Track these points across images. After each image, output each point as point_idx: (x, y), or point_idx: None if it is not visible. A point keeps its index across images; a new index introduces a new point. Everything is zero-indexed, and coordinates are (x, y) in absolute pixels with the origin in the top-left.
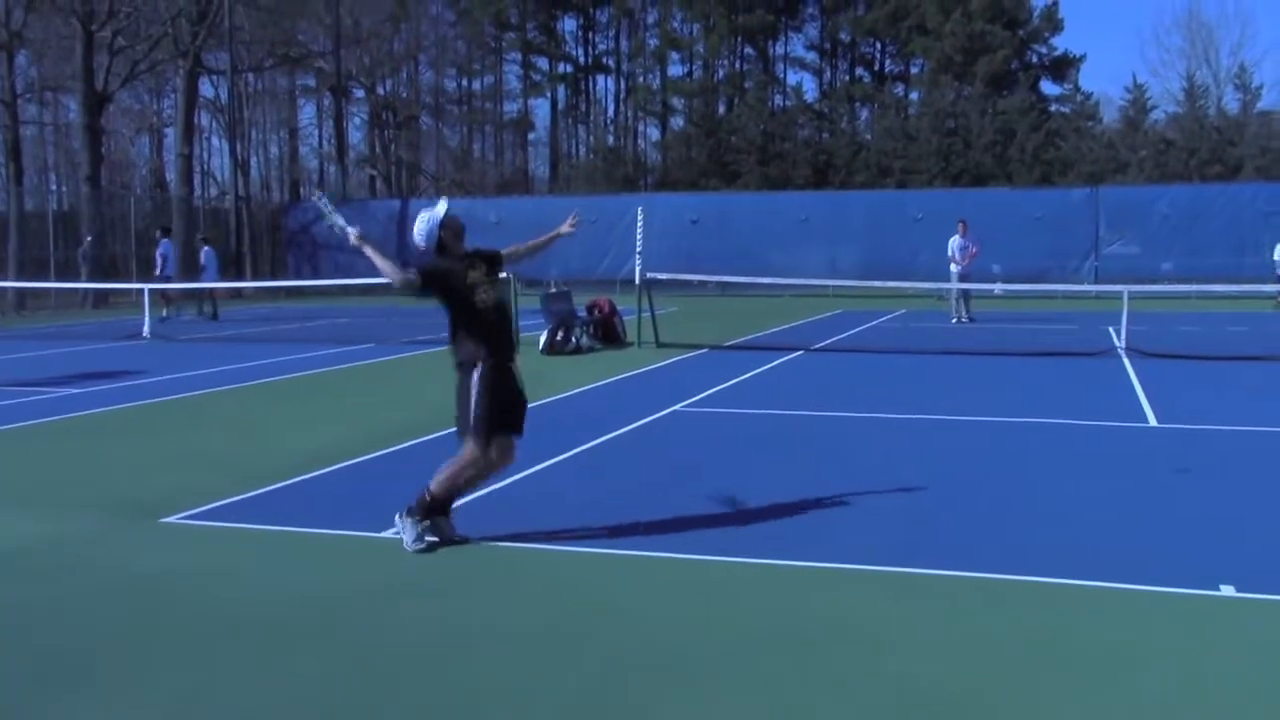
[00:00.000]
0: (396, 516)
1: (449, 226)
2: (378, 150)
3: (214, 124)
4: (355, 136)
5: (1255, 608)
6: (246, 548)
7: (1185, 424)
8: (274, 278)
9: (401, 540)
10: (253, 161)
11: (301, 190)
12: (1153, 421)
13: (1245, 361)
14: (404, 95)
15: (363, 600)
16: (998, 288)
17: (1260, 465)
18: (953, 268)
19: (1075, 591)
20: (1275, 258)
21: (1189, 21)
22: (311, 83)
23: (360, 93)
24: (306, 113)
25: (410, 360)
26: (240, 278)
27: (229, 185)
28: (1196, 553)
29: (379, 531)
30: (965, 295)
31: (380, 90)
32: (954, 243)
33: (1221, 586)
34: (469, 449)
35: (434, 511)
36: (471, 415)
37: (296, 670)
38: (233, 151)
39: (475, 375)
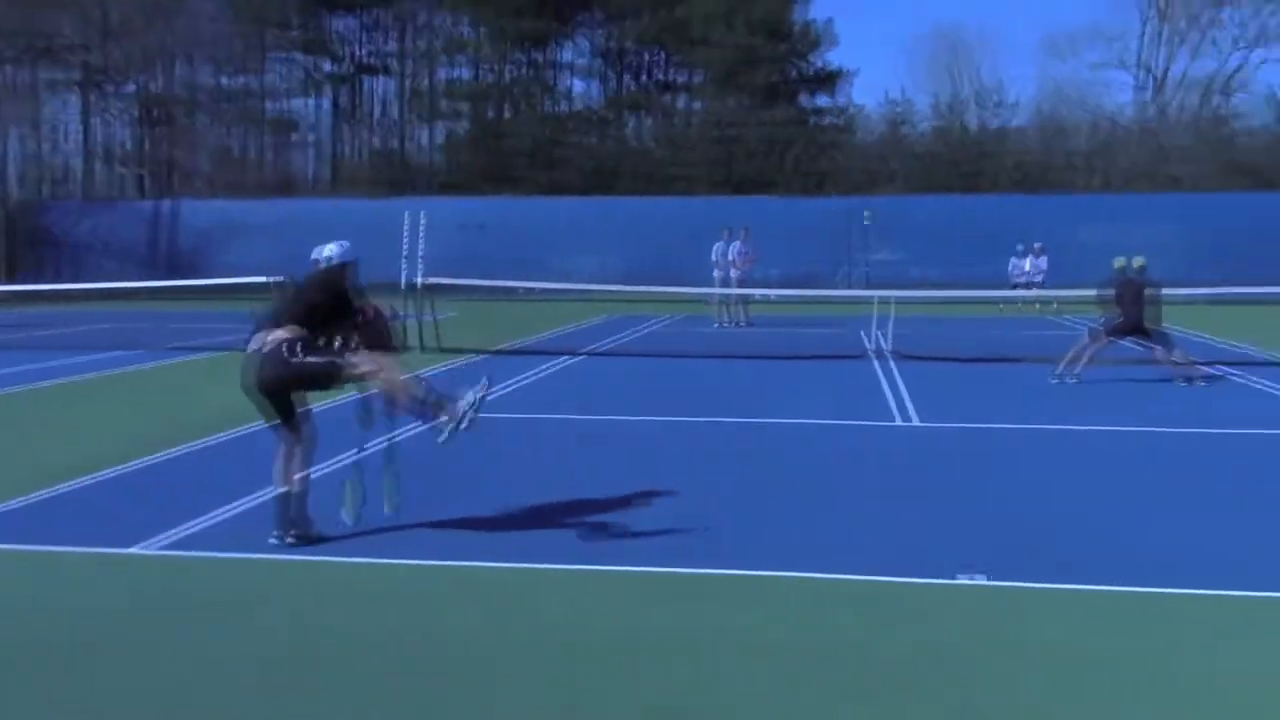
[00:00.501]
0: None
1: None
2: (137, 148)
3: None
4: (113, 133)
5: (1001, 595)
6: None
7: (941, 422)
8: (10, 280)
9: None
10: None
11: (53, 188)
12: (914, 420)
13: (997, 363)
14: (169, 92)
15: (106, 622)
16: (772, 294)
17: (1010, 460)
18: (732, 273)
19: (835, 586)
20: (1029, 267)
21: (950, 40)
22: (70, 76)
23: (128, 88)
24: (68, 107)
25: (171, 368)
26: None
27: None
28: (941, 545)
29: (124, 547)
30: (745, 300)
31: (141, 86)
32: (734, 248)
33: (969, 575)
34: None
35: (441, 407)
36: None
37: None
38: None
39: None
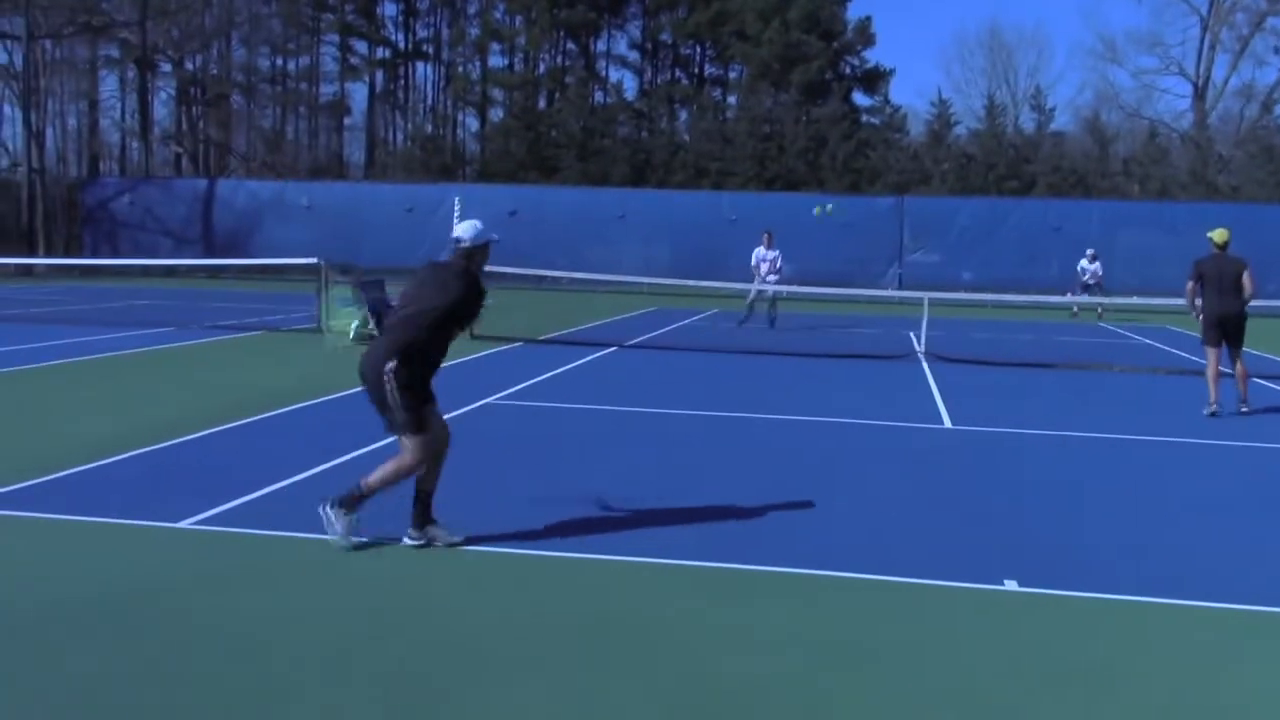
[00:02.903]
0: (322, 508)
1: (485, 250)
2: (184, 127)
3: (6, 92)
4: (161, 112)
5: (1038, 602)
6: (21, 540)
7: (977, 426)
8: (69, 255)
9: (328, 530)
10: (49, 133)
11: (101, 165)
12: (947, 423)
13: (1034, 368)
14: (214, 72)
15: (153, 594)
16: (811, 291)
17: (1045, 466)
18: (756, 279)
19: (877, 586)
20: (1078, 269)
21: (990, 42)
22: (115, 53)
23: (168, 67)
24: (109, 84)
25: (210, 346)
26: (33, 254)
27: (22, 157)
28: (983, 549)
29: (174, 521)
30: (772, 299)
31: (189, 65)
32: (757, 254)
33: (1005, 581)
34: (406, 446)
35: (359, 505)
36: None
37: (78, 670)
38: (27, 121)
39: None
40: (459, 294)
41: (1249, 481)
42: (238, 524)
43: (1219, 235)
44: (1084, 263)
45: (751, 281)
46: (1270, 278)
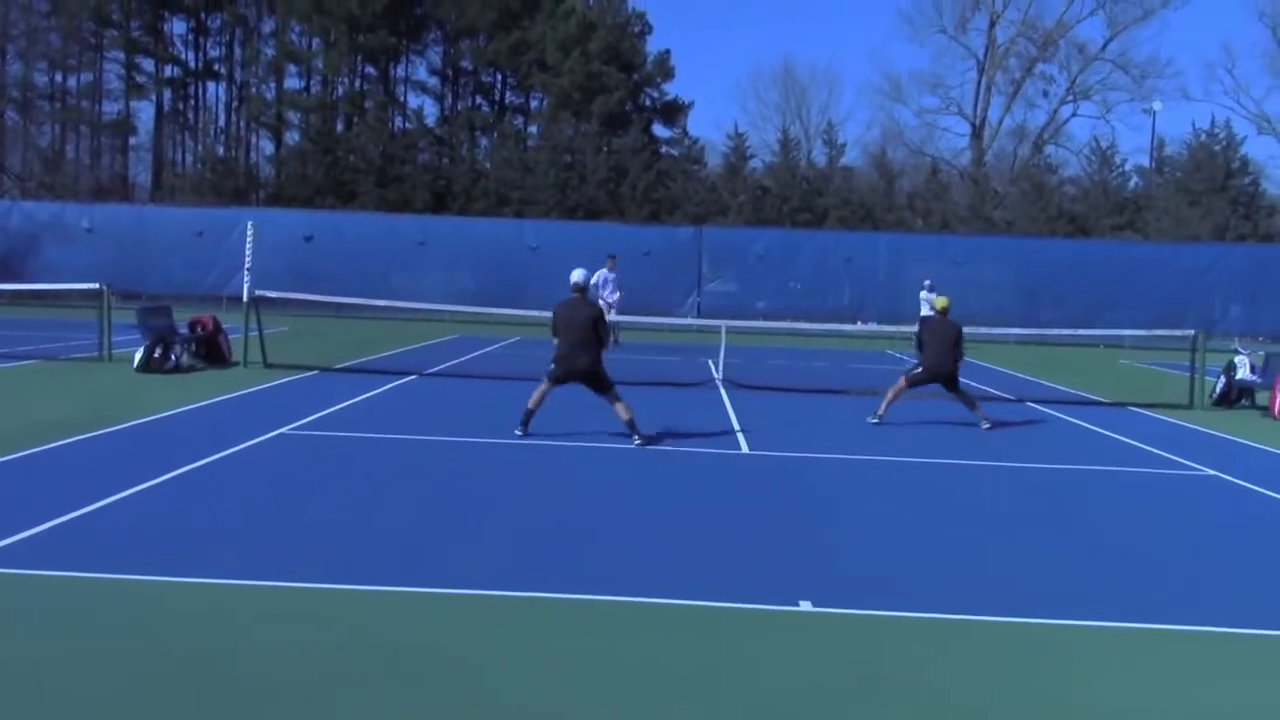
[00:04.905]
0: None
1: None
2: None
3: None
4: None
5: (829, 620)
6: None
7: (774, 451)
8: None
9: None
10: None
11: None
12: (745, 449)
13: (828, 394)
14: None
15: None
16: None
17: (836, 488)
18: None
19: (660, 610)
20: (921, 297)
21: (784, 79)
22: None
23: None
24: None
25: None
26: None
27: None
28: (779, 571)
29: None
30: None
31: None
32: (600, 275)
33: (800, 602)
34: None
35: (637, 428)
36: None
37: None
38: None
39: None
40: (596, 311)
41: (1021, 499)
42: (11, 564)
43: (940, 303)
44: (924, 293)
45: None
46: (1042, 306)
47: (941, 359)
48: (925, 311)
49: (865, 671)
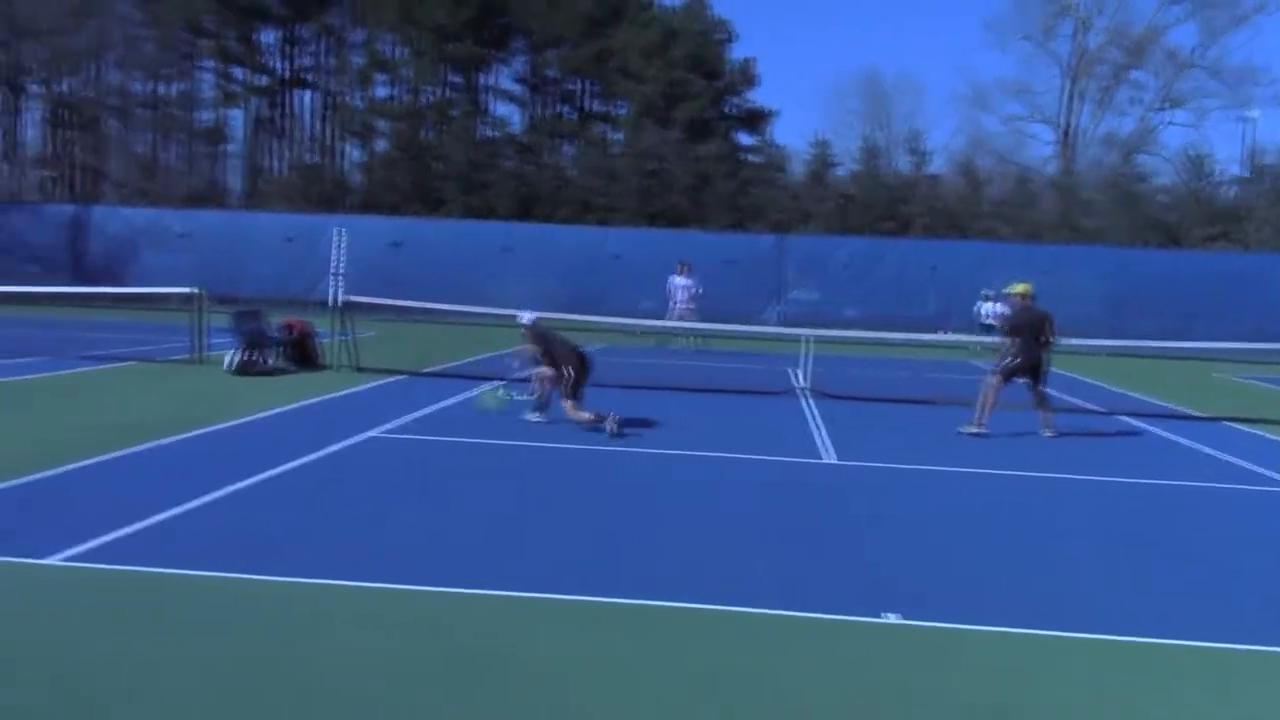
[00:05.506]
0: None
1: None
2: (55, 151)
3: None
4: (31, 135)
5: (918, 635)
6: None
7: (857, 460)
8: None
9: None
10: None
11: None
12: (828, 458)
13: (913, 404)
14: (87, 95)
15: (15, 631)
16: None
17: (922, 500)
18: (674, 306)
19: (745, 619)
20: (975, 310)
21: (868, 87)
22: None
23: (38, 88)
24: None
25: (82, 377)
26: None
27: None
28: (864, 582)
29: (41, 558)
30: (690, 335)
31: (60, 88)
32: (673, 280)
33: (886, 614)
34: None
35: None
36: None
37: None
38: None
39: None
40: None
41: (1115, 515)
42: (108, 560)
43: (1022, 287)
44: (981, 303)
45: (667, 307)
46: (1132, 317)
47: (1031, 346)
48: (984, 321)
49: (953, 687)
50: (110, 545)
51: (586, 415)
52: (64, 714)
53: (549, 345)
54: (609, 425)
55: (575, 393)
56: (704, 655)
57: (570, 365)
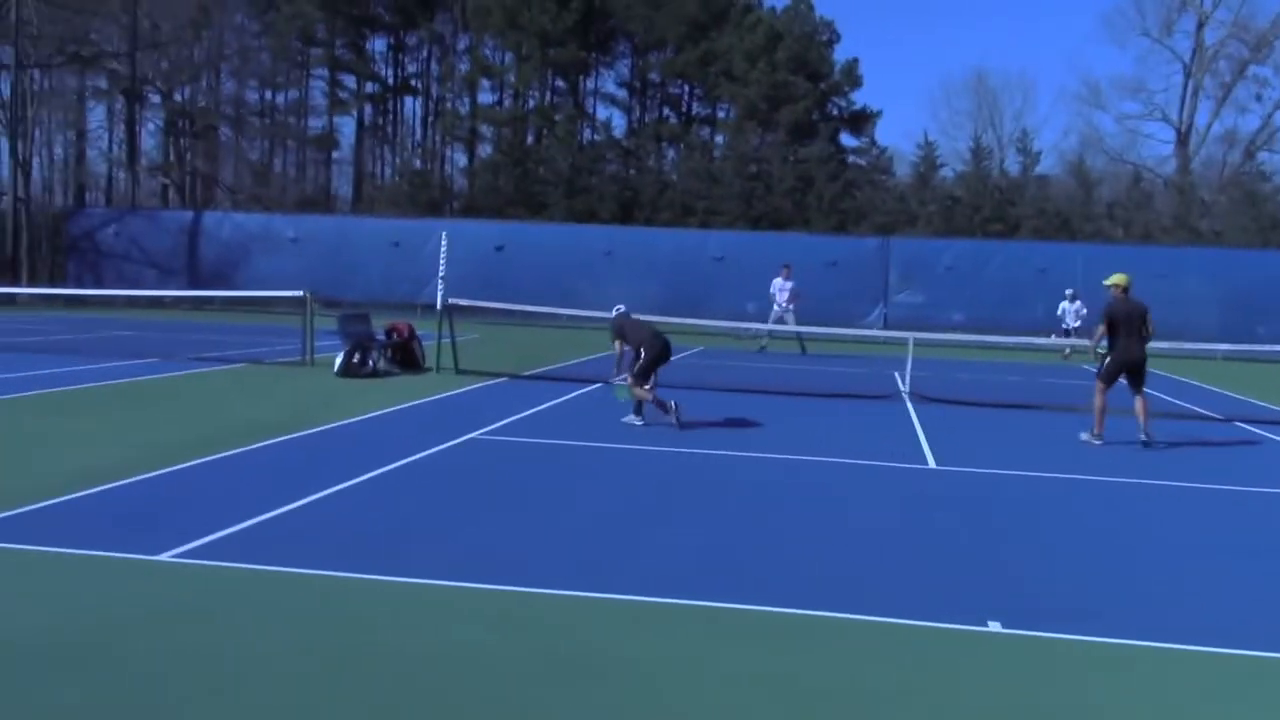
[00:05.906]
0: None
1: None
2: (172, 159)
3: None
4: (149, 143)
5: (1019, 643)
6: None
7: (961, 467)
8: (53, 285)
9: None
10: (35, 163)
11: (87, 195)
12: (932, 464)
13: (1019, 409)
14: (202, 104)
15: (131, 626)
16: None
17: (1028, 507)
18: (774, 307)
19: (854, 626)
20: (1058, 312)
21: (976, 86)
22: (103, 84)
23: (156, 98)
24: (96, 115)
25: (195, 378)
26: (16, 283)
27: (8, 186)
28: (967, 590)
29: (154, 554)
30: (797, 337)
31: (178, 97)
32: (775, 284)
33: (989, 623)
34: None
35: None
36: None
37: (58, 702)
38: (14, 151)
39: None
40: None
41: (1231, 525)
42: (219, 557)
43: (1120, 279)
44: (1064, 304)
45: (770, 309)
46: (1259, 320)
47: (1130, 345)
48: (1068, 323)
49: (1056, 698)
50: (219, 542)
51: (649, 394)
52: (172, 707)
53: (628, 331)
54: (673, 415)
55: (646, 375)
56: (818, 662)
57: (644, 346)
